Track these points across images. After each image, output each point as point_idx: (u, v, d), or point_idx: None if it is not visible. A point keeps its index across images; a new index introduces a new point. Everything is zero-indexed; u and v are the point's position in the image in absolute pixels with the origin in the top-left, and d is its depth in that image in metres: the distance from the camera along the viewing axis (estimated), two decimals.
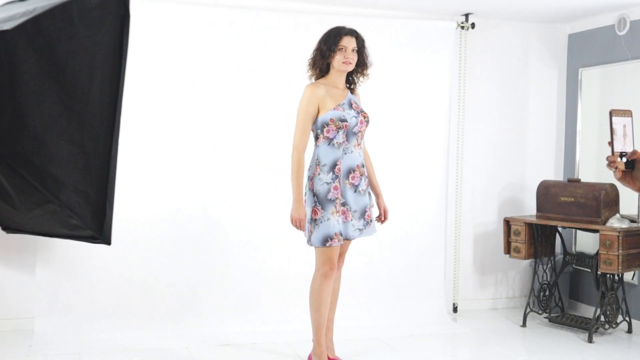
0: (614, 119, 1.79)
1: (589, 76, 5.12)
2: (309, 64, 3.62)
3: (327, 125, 3.49)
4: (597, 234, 4.41)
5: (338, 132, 3.50)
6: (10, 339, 4.13)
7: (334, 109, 3.50)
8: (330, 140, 3.51)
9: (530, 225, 4.71)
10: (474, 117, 5.11)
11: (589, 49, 5.08)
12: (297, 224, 3.53)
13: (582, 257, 4.72)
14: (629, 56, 4.70)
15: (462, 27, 4.89)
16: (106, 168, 2.05)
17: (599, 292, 4.46)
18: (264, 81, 4.50)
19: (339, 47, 3.50)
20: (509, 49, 5.19)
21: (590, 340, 4.35)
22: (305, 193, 3.57)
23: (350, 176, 3.53)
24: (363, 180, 3.59)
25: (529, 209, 5.23)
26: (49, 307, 4.20)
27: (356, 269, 4.54)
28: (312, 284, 3.60)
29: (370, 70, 3.67)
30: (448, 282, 5.06)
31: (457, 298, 5.10)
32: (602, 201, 4.36)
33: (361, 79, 3.69)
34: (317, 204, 3.48)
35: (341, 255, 3.70)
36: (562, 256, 4.90)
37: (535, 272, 4.82)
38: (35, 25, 1.77)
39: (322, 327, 3.62)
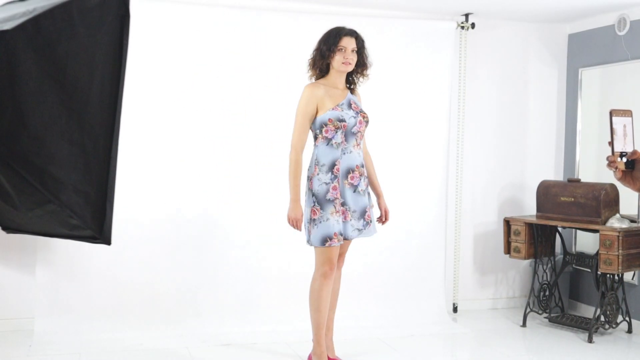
0: (614, 119, 1.79)
1: (589, 76, 5.12)
2: (309, 64, 3.62)
3: (326, 125, 3.49)
4: (597, 234, 4.41)
5: (336, 132, 3.50)
6: (10, 339, 4.13)
7: (333, 109, 3.50)
8: (328, 141, 3.51)
9: (530, 225, 4.71)
10: (474, 117, 5.11)
11: (589, 49, 5.08)
12: (294, 223, 3.55)
13: (582, 257, 4.72)
14: (629, 56, 4.70)
15: (462, 27, 4.89)
16: (106, 168, 2.05)
17: (599, 292, 4.46)
18: (264, 81, 4.51)
19: (339, 48, 3.50)
20: (509, 49, 5.19)
21: (590, 340, 4.35)
22: (306, 193, 3.58)
23: (349, 176, 3.53)
24: (362, 180, 3.59)
25: (529, 209, 5.23)
26: (49, 307, 4.20)
27: (356, 269, 4.54)
28: (312, 284, 3.60)
29: (370, 71, 3.68)
30: (448, 282, 5.06)
31: (457, 298, 5.10)
32: (602, 201, 4.36)
33: (361, 79, 3.69)
34: (316, 204, 3.48)
35: (341, 255, 3.70)
36: (562, 256, 4.90)
37: (535, 272, 4.82)
38: (35, 25, 1.76)
39: (322, 327, 3.62)
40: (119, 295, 4.29)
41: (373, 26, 4.61)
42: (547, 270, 4.87)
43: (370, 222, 3.61)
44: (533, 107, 5.29)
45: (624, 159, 1.78)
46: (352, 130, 3.54)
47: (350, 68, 3.55)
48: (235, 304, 4.46)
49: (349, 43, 3.51)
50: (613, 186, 4.43)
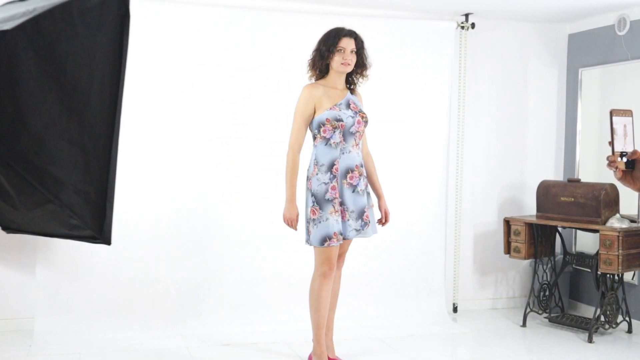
0: (614, 118, 1.79)
1: (589, 76, 5.12)
2: (309, 65, 3.63)
3: (324, 125, 3.49)
4: (597, 234, 4.41)
5: (334, 132, 3.50)
6: (10, 339, 4.13)
7: (330, 108, 3.51)
8: (327, 140, 3.52)
9: (530, 225, 4.71)
10: (474, 117, 5.11)
11: (589, 49, 5.08)
12: (289, 223, 3.58)
13: (582, 257, 4.72)
14: (629, 56, 4.70)
15: (462, 27, 4.89)
16: (106, 168, 2.05)
17: (599, 292, 4.46)
18: (264, 81, 4.51)
19: (338, 48, 3.50)
20: (509, 49, 5.19)
21: (590, 340, 4.35)
22: (305, 192, 3.59)
23: (348, 176, 3.53)
24: (362, 180, 3.59)
25: (529, 209, 5.23)
26: (49, 307, 4.20)
27: (356, 269, 4.54)
28: (312, 284, 3.61)
29: (369, 71, 3.68)
30: (448, 282, 5.06)
31: (457, 298, 5.10)
32: (602, 201, 4.36)
33: (360, 79, 3.69)
34: (315, 204, 3.49)
35: (341, 255, 3.70)
36: (562, 256, 4.90)
37: (535, 272, 4.82)
38: (35, 25, 1.76)
39: (321, 327, 3.62)
40: (119, 295, 4.29)
41: (373, 26, 4.62)
42: (547, 270, 4.87)
43: (369, 222, 3.60)
44: (533, 107, 5.29)
45: (624, 159, 1.78)
46: (351, 130, 3.54)
47: (350, 69, 3.56)
48: (235, 304, 4.46)
49: (348, 44, 3.52)
50: (613, 186, 4.43)
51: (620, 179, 1.80)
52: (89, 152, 2.02)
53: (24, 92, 1.84)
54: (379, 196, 3.78)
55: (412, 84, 4.79)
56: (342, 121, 3.50)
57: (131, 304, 4.29)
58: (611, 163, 1.79)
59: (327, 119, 3.49)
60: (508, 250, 4.83)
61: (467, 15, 4.91)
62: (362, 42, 3.60)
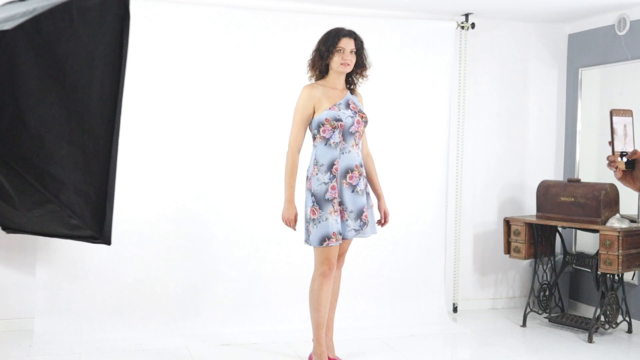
0: (614, 118, 1.79)
1: (589, 76, 5.12)
2: (309, 65, 3.63)
3: (323, 125, 3.50)
4: (597, 234, 4.41)
5: (334, 132, 3.50)
6: (10, 339, 4.13)
7: (330, 108, 3.51)
8: (326, 140, 3.52)
9: (530, 225, 4.71)
10: (474, 117, 5.11)
11: (589, 49, 5.08)
12: (288, 223, 3.60)
13: (582, 257, 4.72)
14: (629, 56, 4.70)
15: (462, 27, 4.89)
16: (106, 168, 2.05)
17: (599, 292, 4.46)
18: (264, 81, 4.51)
19: (337, 49, 3.51)
20: (509, 49, 5.19)
21: (590, 340, 4.35)
22: (305, 192, 3.59)
23: (347, 176, 3.53)
24: (361, 180, 3.59)
25: (529, 209, 5.23)
26: (49, 307, 4.20)
27: (356, 269, 4.54)
28: (312, 284, 3.61)
29: (369, 72, 3.68)
30: (448, 282, 5.06)
31: (457, 298, 5.10)
32: (602, 201, 4.36)
33: (360, 80, 3.69)
34: (315, 203, 3.49)
35: (341, 255, 3.71)
36: (562, 256, 4.90)
37: (535, 272, 4.82)
38: (35, 25, 1.76)
39: (321, 326, 3.62)
40: (119, 295, 4.29)
41: (373, 26, 4.62)
42: (547, 270, 4.87)
43: (368, 222, 3.60)
44: (533, 107, 5.29)
45: (625, 159, 1.78)
46: (350, 130, 3.54)
47: (349, 69, 3.56)
48: (235, 304, 4.46)
49: (347, 44, 3.52)
50: (613, 186, 4.43)
51: (620, 179, 1.80)
52: (89, 152, 2.02)
53: (24, 92, 1.84)
54: (378, 197, 3.77)
55: (412, 84, 4.79)
56: (342, 121, 3.50)
57: (131, 304, 4.29)
58: (611, 163, 1.79)
59: (326, 118, 3.49)
60: (508, 250, 4.83)
61: (467, 15, 4.92)
62: (361, 42, 3.60)
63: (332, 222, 3.47)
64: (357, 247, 4.31)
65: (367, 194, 3.66)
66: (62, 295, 4.22)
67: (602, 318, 4.47)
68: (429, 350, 4.22)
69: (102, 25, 1.94)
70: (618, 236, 4.19)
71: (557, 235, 4.93)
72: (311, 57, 3.62)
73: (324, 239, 3.47)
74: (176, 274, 4.39)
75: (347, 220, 3.52)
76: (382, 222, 3.78)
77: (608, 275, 4.45)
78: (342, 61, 3.52)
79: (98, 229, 2.12)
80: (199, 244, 4.43)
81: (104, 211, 2.10)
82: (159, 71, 4.33)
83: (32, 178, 1.94)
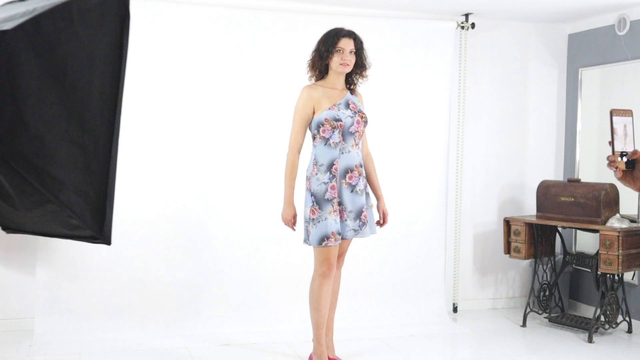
0: (614, 118, 1.79)
1: (589, 76, 5.12)
2: (308, 65, 3.63)
3: (323, 125, 3.50)
4: (597, 234, 4.41)
5: (333, 131, 3.50)
6: (10, 339, 4.13)
7: (329, 108, 3.52)
8: (326, 140, 3.52)
9: (530, 225, 4.71)
10: (474, 117, 5.11)
11: (589, 49, 5.08)
12: (286, 224, 3.61)
13: (582, 257, 4.72)
14: (629, 56, 4.70)
15: (462, 27, 4.89)
16: (106, 168, 2.05)
17: (599, 292, 4.46)
18: (264, 81, 4.50)
19: (337, 49, 3.51)
20: (509, 49, 5.19)
21: (590, 340, 4.35)
22: (305, 192, 3.59)
23: (347, 176, 3.53)
24: (361, 180, 3.59)
25: (529, 209, 5.23)
26: (49, 307, 4.20)
27: (356, 269, 4.54)
28: (311, 284, 3.61)
29: (369, 72, 3.68)
30: (448, 282, 5.06)
31: (457, 298, 5.10)
32: (602, 201, 4.36)
33: (360, 80, 3.69)
34: (315, 203, 3.49)
35: (341, 255, 3.71)
36: (562, 256, 4.90)
37: (535, 272, 4.81)
38: (35, 25, 1.76)
39: (321, 326, 3.62)
40: (119, 295, 4.29)
41: (373, 26, 4.62)
42: (547, 270, 4.87)
43: (367, 222, 3.60)
44: (533, 107, 5.29)
45: (625, 159, 1.78)
46: (350, 130, 3.54)
47: (349, 69, 3.56)
48: (235, 304, 4.46)
49: (347, 44, 3.52)
50: (613, 186, 4.43)
51: (620, 179, 1.80)
52: (89, 152, 2.02)
53: (24, 92, 1.84)
54: (378, 197, 3.77)
55: (412, 84, 4.79)
56: (341, 121, 3.51)
57: (131, 304, 4.29)
58: (611, 163, 1.79)
59: (325, 118, 3.50)
60: (508, 250, 4.83)
61: (467, 15, 4.91)
62: (361, 42, 3.60)
63: (331, 222, 3.47)
64: (357, 247, 4.31)
65: (367, 194, 3.66)
66: (62, 295, 4.22)
67: (602, 318, 4.47)
68: (429, 350, 4.22)
69: (102, 26, 1.94)
70: (618, 236, 4.19)
71: (557, 235, 4.93)
72: (311, 57, 3.62)
73: (323, 239, 3.47)
74: (176, 274, 4.39)
75: (346, 220, 3.52)
76: (381, 222, 3.78)
77: (608, 275, 4.45)
78: (341, 61, 3.52)
79: (98, 229, 2.13)
80: (199, 244, 4.43)
81: (104, 211, 2.10)
82: (159, 71, 4.33)
83: (32, 178, 1.94)
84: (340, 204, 3.52)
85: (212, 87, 4.43)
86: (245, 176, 4.49)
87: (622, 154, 1.78)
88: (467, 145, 5.07)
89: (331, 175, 3.50)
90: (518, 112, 5.25)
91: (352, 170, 3.54)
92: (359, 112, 3.59)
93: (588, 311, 4.95)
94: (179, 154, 4.39)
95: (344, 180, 3.53)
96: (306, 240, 3.56)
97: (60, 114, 1.93)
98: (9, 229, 2.38)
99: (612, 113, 1.79)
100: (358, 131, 3.58)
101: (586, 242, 4.99)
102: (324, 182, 3.50)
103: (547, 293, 4.86)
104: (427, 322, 4.68)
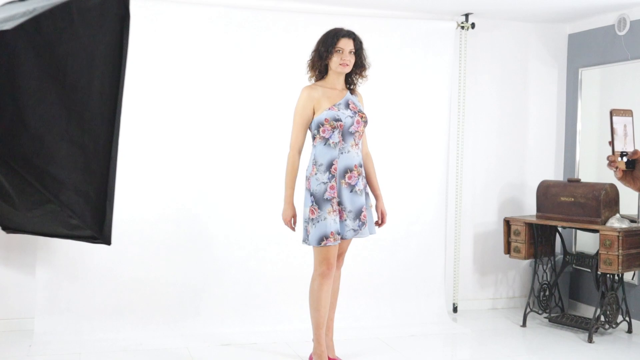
0: (614, 118, 1.79)
1: (589, 76, 5.12)
2: (308, 66, 3.64)
3: (322, 125, 3.50)
4: (597, 234, 4.41)
5: (333, 131, 3.51)
6: (10, 339, 4.13)
7: (329, 108, 3.52)
8: (326, 140, 3.52)
9: (530, 225, 4.71)
10: (474, 117, 5.11)
11: (589, 49, 5.08)
12: (287, 224, 3.60)
13: (582, 257, 4.72)
14: (629, 56, 4.70)
15: (462, 27, 4.89)
16: (106, 168, 2.05)
17: (599, 292, 4.46)
18: (264, 81, 4.51)
19: (336, 49, 3.51)
20: (509, 49, 5.19)
21: (590, 340, 4.35)
22: (304, 192, 3.59)
23: (346, 176, 3.53)
24: (360, 180, 3.59)
25: (529, 209, 5.23)
26: (49, 307, 4.20)
27: (356, 269, 4.54)
28: (311, 283, 3.61)
29: (368, 72, 3.68)
30: (448, 282, 5.06)
31: (457, 298, 5.10)
32: (602, 201, 4.36)
33: (360, 80, 3.69)
34: (314, 203, 3.49)
35: (340, 255, 3.71)
36: (562, 256, 4.90)
37: (535, 272, 4.81)
38: (35, 25, 1.76)
39: (321, 326, 3.62)
40: (119, 295, 4.29)
41: (373, 26, 4.62)
42: (547, 270, 4.87)
43: (366, 222, 3.60)
44: (533, 107, 5.29)
45: (625, 159, 1.78)
46: (350, 130, 3.54)
47: (348, 69, 3.56)
48: (235, 304, 4.46)
49: (346, 44, 3.52)
50: (613, 186, 4.43)
51: (620, 179, 1.80)
52: (89, 152, 2.02)
53: (24, 92, 1.84)
54: (376, 197, 3.77)
55: (412, 84, 4.79)
56: (341, 121, 3.51)
57: (131, 304, 4.29)
58: (611, 163, 1.79)
59: (325, 119, 3.50)
60: (508, 250, 4.83)
61: (467, 15, 4.91)
62: (360, 42, 3.60)
63: (330, 221, 3.47)
64: (357, 247, 4.31)
65: (367, 194, 3.66)
66: (62, 295, 4.22)
67: (602, 318, 4.47)
68: (429, 350, 4.22)
69: (102, 26, 1.94)
70: (618, 236, 4.19)
71: (557, 235, 4.93)
72: (310, 57, 3.62)
73: (322, 239, 3.47)
74: (176, 274, 4.39)
75: (345, 220, 3.53)
76: (379, 222, 3.78)
77: (608, 275, 4.45)
78: (341, 61, 3.52)
79: (98, 229, 2.12)
80: (199, 244, 4.43)
81: (104, 211, 2.10)
82: (159, 71, 4.33)
83: (32, 178, 1.94)
84: (339, 203, 3.53)
85: (212, 87, 4.43)
86: (245, 176, 4.49)
87: (622, 154, 1.78)
88: (467, 145, 5.07)
89: (330, 175, 3.50)
90: (518, 112, 5.25)
91: (351, 170, 3.54)
92: (359, 112, 3.59)
93: (588, 311, 4.95)
94: (179, 154, 4.39)
95: (343, 180, 3.53)
96: (305, 240, 3.57)
97: (60, 114, 1.93)
98: (9, 229, 2.38)
99: (612, 113, 1.79)
100: (358, 131, 3.58)
101: (586, 242, 4.99)
102: (323, 182, 3.50)
103: (547, 293, 4.86)
104: (427, 322, 4.68)
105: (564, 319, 4.72)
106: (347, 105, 3.58)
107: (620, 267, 4.19)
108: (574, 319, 4.70)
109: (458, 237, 5.06)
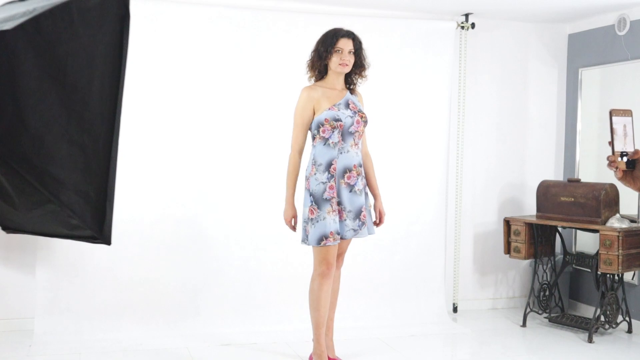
0: (614, 118, 1.79)
1: (589, 76, 5.12)
2: (308, 66, 3.64)
3: (322, 125, 3.51)
4: (597, 234, 4.41)
5: (333, 131, 3.51)
6: (10, 339, 4.13)
7: (329, 109, 3.52)
8: (326, 140, 3.52)
9: (530, 225, 4.71)
10: (474, 117, 5.11)
11: (589, 49, 5.08)
12: (287, 224, 3.61)
13: (582, 257, 4.72)
14: (629, 56, 4.70)
15: (462, 27, 4.89)
16: (106, 168, 2.05)
17: (599, 292, 4.46)
18: (264, 81, 4.51)
19: (336, 49, 3.51)
20: (509, 49, 5.19)
21: (590, 340, 4.35)
22: (304, 192, 3.59)
23: (346, 176, 3.53)
24: (360, 180, 3.59)
25: (529, 209, 5.23)
26: (49, 307, 4.20)
27: (356, 269, 4.54)
28: (311, 283, 3.61)
29: (368, 72, 3.68)
30: (448, 282, 5.06)
31: (457, 298, 5.10)
32: (602, 201, 4.36)
33: (359, 80, 3.70)
34: (314, 203, 3.49)
35: (340, 255, 3.71)
36: (562, 256, 4.90)
37: (535, 272, 4.81)
38: (35, 25, 1.76)
39: (321, 326, 3.62)
40: (119, 295, 4.29)
41: (373, 26, 4.62)
42: (547, 270, 4.87)
43: (366, 222, 3.60)
44: (533, 107, 5.29)
45: (625, 159, 1.78)
46: (350, 130, 3.54)
47: (348, 69, 3.56)
48: (235, 304, 4.46)
49: (346, 44, 3.52)
50: (613, 186, 4.43)
51: (620, 179, 1.81)
52: (89, 152, 2.02)
53: (24, 92, 1.84)
54: (375, 197, 3.78)
55: (412, 84, 4.79)
56: (341, 121, 3.51)
57: (131, 304, 4.29)
58: (611, 163, 1.79)
59: (325, 119, 3.50)
60: (508, 250, 4.83)
61: (467, 15, 4.92)
62: (360, 42, 3.60)
63: (329, 221, 3.47)
64: (357, 247, 4.31)
65: (366, 194, 3.66)
66: (62, 295, 4.22)
67: (602, 318, 4.47)
68: (429, 350, 4.22)
69: (102, 26, 1.94)
70: (618, 236, 4.19)
71: (557, 235, 4.93)
72: (310, 57, 3.62)
73: (321, 239, 3.47)
74: (176, 274, 4.39)
75: (345, 220, 3.53)
76: (377, 222, 3.78)
77: (608, 275, 4.45)
78: (340, 61, 3.52)
79: (98, 229, 2.12)
80: (199, 244, 4.43)
81: (104, 211, 2.10)
82: (159, 71, 4.33)
83: (32, 178, 1.94)
84: (339, 203, 3.53)
85: (212, 87, 4.43)
86: (245, 176, 4.49)
87: (622, 154, 1.78)
88: (467, 145, 5.07)
89: (329, 175, 3.50)
90: (518, 112, 5.25)
91: (350, 170, 3.54)
92: (358, 112, 3.59)
93: (588, 311, 4.95)
94: (178, 154, 4.39)
95: (342, 180, 3.53)
96: (304, 240, 3.57)
97: (60, 114, 1.93)
98: (9, 229, 2.38)
99: (612, 113, 1.80)
100: (358, 131, 3.58)
101: (586, 242, 4.99)
102: (322, 182, 3.50)
103: (547, 293, 4.86)
104: (427, 322, 4.68)
105: (564, 319, 4.72)
106: (347, 105, 3.58)
107: (620, 267, 4.19)
108: (574, 319, 4.70)
109: (458, 237, 5.06)
